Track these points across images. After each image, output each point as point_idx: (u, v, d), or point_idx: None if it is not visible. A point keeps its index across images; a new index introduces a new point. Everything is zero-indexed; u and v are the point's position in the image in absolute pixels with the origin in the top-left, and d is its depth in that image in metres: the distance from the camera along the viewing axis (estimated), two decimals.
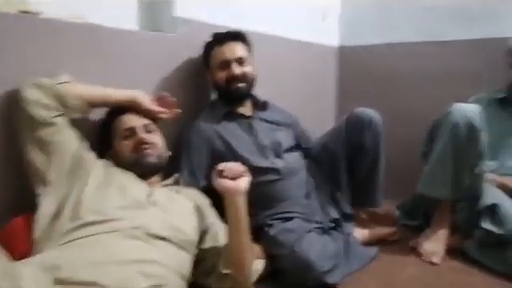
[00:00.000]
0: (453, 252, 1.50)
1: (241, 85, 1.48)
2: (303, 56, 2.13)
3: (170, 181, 1.22)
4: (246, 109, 1.53)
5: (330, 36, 2.34)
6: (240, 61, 1.47)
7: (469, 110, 1.41)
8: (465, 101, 1.57)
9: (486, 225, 1.39)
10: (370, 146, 1.48)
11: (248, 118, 1.51)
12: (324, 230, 1.37)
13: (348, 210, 1.54)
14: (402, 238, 1.63)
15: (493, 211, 1.40)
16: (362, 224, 1.61)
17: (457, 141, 1.41)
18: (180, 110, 1.30)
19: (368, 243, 1.55)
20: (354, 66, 2.35)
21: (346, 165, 1.53)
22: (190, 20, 1.51)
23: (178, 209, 1.10)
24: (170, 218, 1.05)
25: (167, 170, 1.25)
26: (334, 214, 1.48)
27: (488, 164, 1.55)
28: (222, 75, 1.47)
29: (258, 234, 1.32)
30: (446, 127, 1.43)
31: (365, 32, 2.31)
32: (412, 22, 2.15)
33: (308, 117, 1.82)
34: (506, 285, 1.31)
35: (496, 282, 1.33)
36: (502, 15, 1.91)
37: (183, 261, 1.04)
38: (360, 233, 1.56)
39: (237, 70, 1.46)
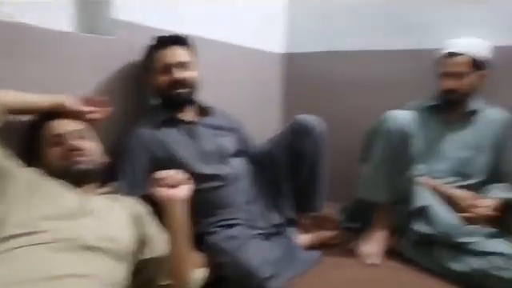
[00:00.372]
0: (391, 252, 1.57)
1: (182, 90, 1.45)
2: (248, 62, 2.14)
3: (107, 189, 1.17)
4: (188, 114, 1.51)
5: (275, 42, 2.37)
6: (182, 65, 1.45)
7: (401, 117, 1.48)
8: (403, 108, 1.65)
9: (417, 225, 1.48)
10: (311, 153, 1.51)
11: (190, 123, 1.49)
12: (266, 236, 1.38)
13: (291, 215, 1.57)
14: (345, 241, 1.68)
15: (423, 213, 1.48)
16: (305, 229, 1.64)
17: (390, 146, 1.48)
18: (111, 109, 1.25)
19: (311, 247, 1.58)
20: (300, 72, 2.39)
21: (289, 171, 1.55)
22: (130, 23, 1.47)
23: (114, 218, 1.06)
24: (106, 228, 1.00)
25: (106, 177, 1.20)
26: (277, 220, 1.49)
27: (420, 168, 1.64)
28: (163, 80, 1.44)
29: (201, 241, 1.30)
30: (380, 134, 1.51)
31: (310, 39, 2.36)
32: (355, 31, 2.23)
33: (253, 123, 1.83)
34: (437, 282, 1.39)
35: (429, 280, 1.41)
36: (435, 27, 2.03)
37: (119, 272, 0.99)
38: (303, 237, 1.59)
39: (178, 74, 1.43)
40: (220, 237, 1.30)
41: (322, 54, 2.31)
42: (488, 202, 1.58)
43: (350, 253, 1.58)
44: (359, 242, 1.59)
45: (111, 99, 1.27)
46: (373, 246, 1.55)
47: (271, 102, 2.41)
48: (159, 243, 1.10)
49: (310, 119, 1.51)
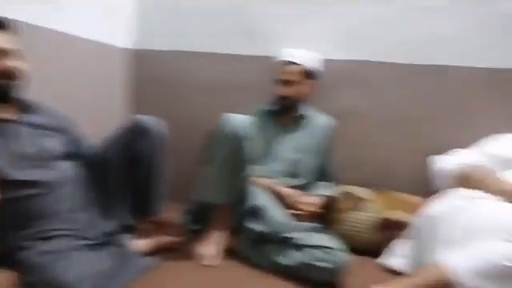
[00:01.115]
0: (230, 252, 1.61)
1: (12, 81, 1.26)
2: (90, 56, 1.98)
3: None
4: (6, 111, 1.30)
5: (122, 37, 2.24)
6: (12, 53, 1.25)
7: (236, 120, 1.54)
8: (246, 111, 1.71)
9: (251, 224, 1.55)
10: (149, 155, 1.45)
11: (8, 122, 1.29)
12: (94, 247, 1.27)
13: (127, 220, 1.48)
14: (187, 244, 1.66)
15: (257, 212, 1.56)
16: (144, 234, 1.57)
17: (226, 149, 1.52)
18: None
19: (150, 253, 1.51)
20: (147, 70, 2.31)
21: (125, 174, 1.46)
22: None
23: None
24: None
25: None
26: (110, 227, 1.39)
27: (258, 168, 1.73)
28: None
29: (12, 258, 1.13)
30: (217, 136, 1.54)
31: (159, 37, 2.30)
32: (204, 33, 2.25)
33: (95, 122, 1.69)
34: (268, 278, 1.46)
35: (260, 277, 1.47)
36: (277, 36, 2.17)
37: None
38: (141, 244, 1.52)
39: (10, 63, 1.23)
40: (34, 251, 1.14)
41: (170, 53, 2.27)
42: (312, 199, 1.76)
43: (190, 256, 1.57)
44: (199, 244, 1.59)
45: None
46: (211, 247, 1.56)
47: (116, 100, 2.27)
48: None
49: (147, 120, 1.45)
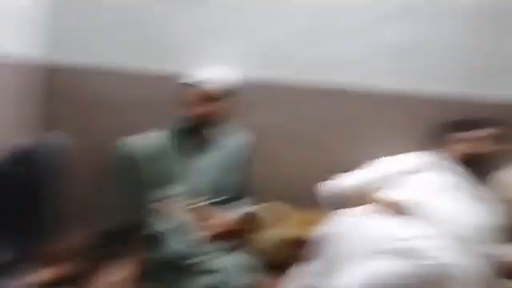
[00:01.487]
0: (134, 280, 1.51)
1: None
2: None
3: None
4: None
5: (25, 50, 2.08)
6: None
7: (133, 144, 1.48)
8: (160, 129, 1.63)
9: (153, 251, 1.49)
10: (47, 178, 1.34)
11: None
12: None
13: (20, 251, 1.35)
14: (89, 273, 1.54)
15: (159, 238, 1.49)
16: (41, 264, 1.44)
17: (123, 173, 1.47)
18: None
19: (48, 286, 1.40)
20: (58, 85, 2.16)
21: (16, 200, 1.33)
22: None
23: None
24: None
25: None
26: None
27: (177, 189, 1.67)
28: None
29: None
30: (115, 160, 1.47)
31: (73, 51, 2.16)
32: (112, 48, 2.14)
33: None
34: None
35: None
36: (191, 54, 2.11)
37: None
38: (37, 276, 1.39)
39: None
40: None
41: (86, 69, 2.14)
42: (228, 217, 1.71)
43: (91, 286, 1.47)
44: (100, 273, 1.49)
45: None
46: (113, 275, 1.48)
47: (25, 117, 2.10)
48: None
49: (34, 144, 1.34)
